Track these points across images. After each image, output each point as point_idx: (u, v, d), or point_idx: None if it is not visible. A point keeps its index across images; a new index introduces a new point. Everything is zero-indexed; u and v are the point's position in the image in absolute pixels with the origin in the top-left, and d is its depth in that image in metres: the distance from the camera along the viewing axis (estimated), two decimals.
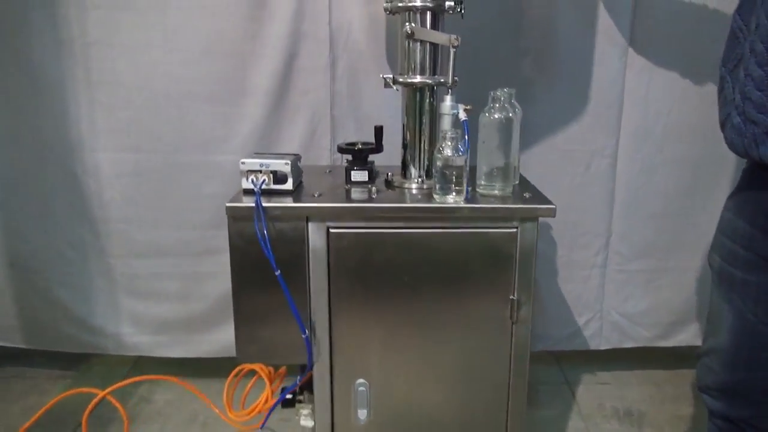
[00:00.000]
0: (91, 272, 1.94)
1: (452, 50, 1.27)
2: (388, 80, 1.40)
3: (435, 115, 1.45)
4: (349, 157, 1.51)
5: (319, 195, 1.37)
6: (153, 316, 1.97)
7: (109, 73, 1.78)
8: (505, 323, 1.39)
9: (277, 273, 1.30)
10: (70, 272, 1.94)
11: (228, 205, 1.30)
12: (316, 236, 1.33)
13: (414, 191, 1.45)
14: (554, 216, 1.35)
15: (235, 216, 1.30)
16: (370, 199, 1.37)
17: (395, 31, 1.47)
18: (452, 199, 1.33)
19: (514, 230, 1.33)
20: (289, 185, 1.35)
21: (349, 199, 1.37)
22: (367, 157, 1.49)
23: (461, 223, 1.33)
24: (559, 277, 2.04)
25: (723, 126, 1.17)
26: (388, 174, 1.53)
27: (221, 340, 1.97)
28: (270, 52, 1.77)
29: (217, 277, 1.91)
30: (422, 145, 1.47)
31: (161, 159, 1.83)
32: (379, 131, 1.49)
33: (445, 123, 1.34)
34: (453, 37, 1.26)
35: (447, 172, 1.32)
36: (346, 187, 1.46)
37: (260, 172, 1.34)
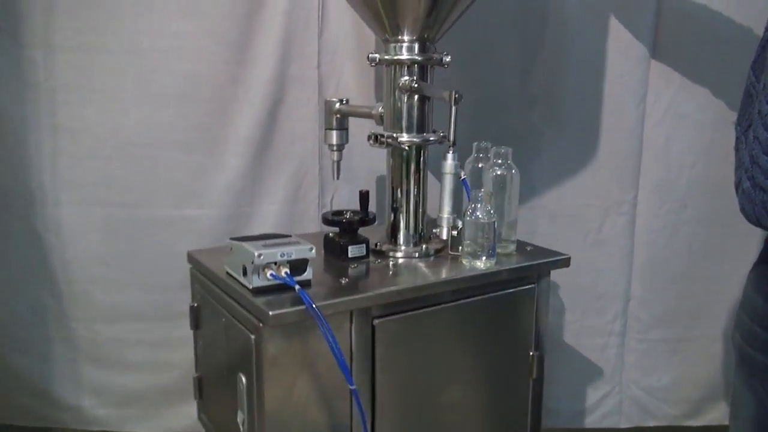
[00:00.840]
0: (50, 338, 1.88)
1: (453, 107, 1.25)
2: (380, 138, 1.39)
3: (426, 174, 1.43)
4: (336, 229, 1.46)
5: (346, 281, 1.29)
6: (118, 387, 1.91)
7: (76, 119, 1.75)
8: (524, 381, 1.46)
9: (353, 387, 1.17)
10: (27, 337, 1.88)
11: (273, 313, 1.13)
12: (360, 332, 1.24)
13: (414, 260, 1.43)
14: (568, 265, 1.45)
15: (281, 324, 1.14)
16: (403, 279, 1.32)
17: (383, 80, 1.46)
18: (483, 264, 1.35)
19: (533, 286, 1.42)
20: (308, 274, 1.23)
21: (387, 282, 1.30)
22: (357, 228, 1.44)
23: (489, 288, 1.36)
24: (572, 346, 1.99)
25: (736, 190, 1.14)
26: (377, 243, 1.49)
27: (194, 413, 1.91)
28: (253, 97, 1.75)
29: (189, 344, 1.83)
30: (415, 207, 1.45)
31: (131, 213, 1.79)
32: (364, 198, 1.46)
33: (448, 183, 1.32)
34: (455, 93, 1.24)
35: (478, 235, 1.34)
36: (353, 266, 1.39)
37: (275, 264, 1.19)
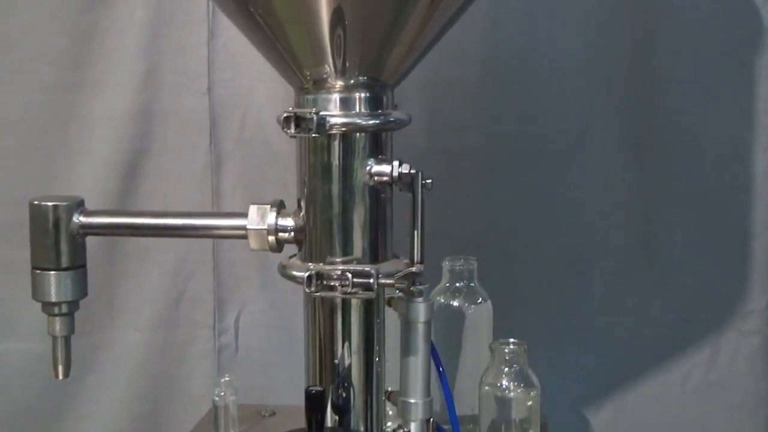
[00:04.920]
0: None
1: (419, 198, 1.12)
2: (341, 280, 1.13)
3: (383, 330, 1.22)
4: None
5: None
6: None
7: None
8: None
9: None
10: None
11: None
12: None
13: None
14: None
15: None
16: None
17: None
18: None
19: None
20: None
21: None
22: None
23: None
24: None
25: None
26: None
27: None
28: (97, 146, 1.68)
29: None
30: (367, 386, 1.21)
31: None
32: (315, 401, 1.16)
33: (420, 341, 1.15)
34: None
35: (504, 417, 1.27)
36: None
37: None
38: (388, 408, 1.26)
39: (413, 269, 1.13)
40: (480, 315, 1.31)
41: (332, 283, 1.11)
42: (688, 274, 1.73)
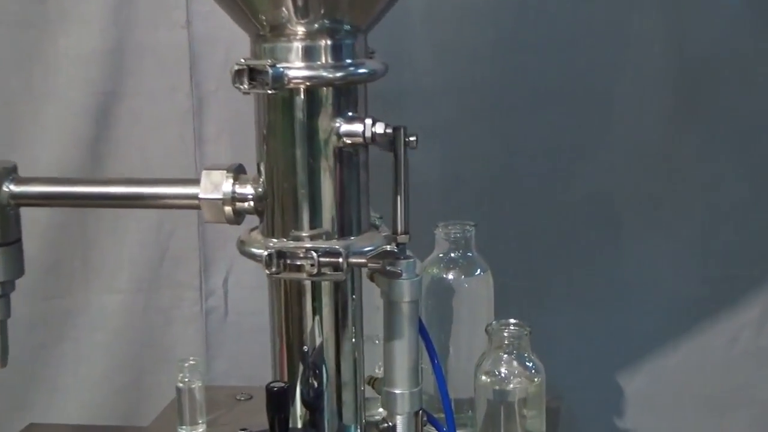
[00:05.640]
0: None
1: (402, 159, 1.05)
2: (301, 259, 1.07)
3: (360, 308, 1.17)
4: None
5: None
6: None
7: None
8: None
9: None
10: None
11: None
12: None
13: None
14: None
15: None
16: None
17: None
18: None
19: None
20: None
21: None
22: None
23: None
24: None
25: None
26: None
27: None
28: (64, 90, 1.66)
29: None
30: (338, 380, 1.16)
31: None
32: (278, 399, 1.12)
33: (406, 323, 1.09)
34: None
35: (502, 409, 1.22)
36: None
37: None
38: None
39: (388, 247, 1.06)
40: (478, 288, 1.25)
41: (297, 263, 1.04)
42: (734, 225, 1.69)
